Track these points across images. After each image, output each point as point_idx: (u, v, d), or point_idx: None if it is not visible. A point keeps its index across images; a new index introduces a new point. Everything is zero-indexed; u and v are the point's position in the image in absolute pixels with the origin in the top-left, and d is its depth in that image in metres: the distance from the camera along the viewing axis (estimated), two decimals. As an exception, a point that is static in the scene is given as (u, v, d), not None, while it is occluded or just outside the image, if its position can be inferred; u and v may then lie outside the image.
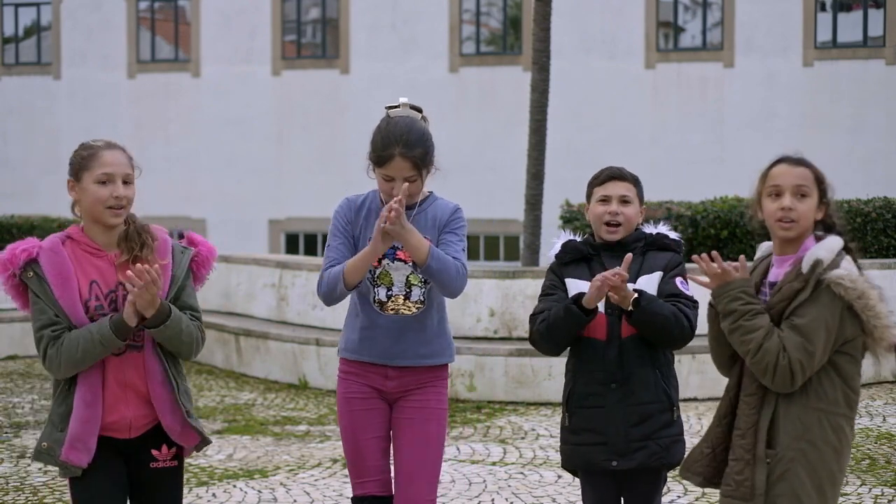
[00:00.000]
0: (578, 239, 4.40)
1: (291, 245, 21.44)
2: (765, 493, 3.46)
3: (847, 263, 3.45)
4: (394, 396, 4.32)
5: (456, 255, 4.22)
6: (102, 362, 3.77)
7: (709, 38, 20.36)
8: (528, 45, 16.47)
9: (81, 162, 3.78)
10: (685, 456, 3.72)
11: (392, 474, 4.35)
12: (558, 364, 9.68)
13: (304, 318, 11.19)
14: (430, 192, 4.37)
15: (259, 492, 6.78)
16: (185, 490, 6.79)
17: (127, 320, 3.69)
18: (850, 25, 19.82)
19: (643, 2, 20.13)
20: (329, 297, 4.25)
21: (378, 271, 4.26)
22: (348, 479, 7.01)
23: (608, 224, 4.28)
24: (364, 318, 4.29)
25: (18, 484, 7.02)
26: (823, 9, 19.82)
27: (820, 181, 3.53)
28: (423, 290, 4.27)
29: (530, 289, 10.06)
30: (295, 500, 6.60)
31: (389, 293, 4.26)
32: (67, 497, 6.62)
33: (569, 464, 4.35)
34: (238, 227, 21.34)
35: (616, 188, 4.28)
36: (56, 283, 3.72)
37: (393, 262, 4.26)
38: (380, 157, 4.22)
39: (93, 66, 22.11)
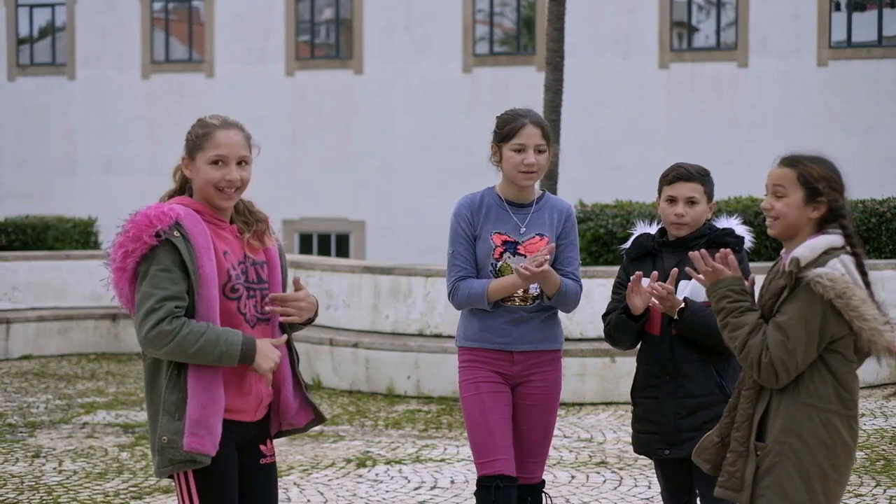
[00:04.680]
0: (653, 230, 4.55)
1: (305, 245, 21.46)
2: (753, 484, 3.52)
3: (836, 263, 3.44)
4: (517, 380, 4.61)
5: (575, 275, 4.60)
6: None
7: (723, 38, 20.31)
8: (542, 45, 16.45)
9: (196, 140, 3.60)
10: (699, 443, 3.80)
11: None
12: (572, 364, 9.66)
13: (318, 318, 11.19)
14: (544, 191, 4.69)
15: (273, 492, 6.78)
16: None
17: (257, 359, 3.50)
18: (864, 25, 19.75)
19: (657, 1, 20.09)
20: (465, 307, 4.60)
21: (500, 264, 4.55)
22: (362, 479, 7.05)
23: (674, 224, 4.42)
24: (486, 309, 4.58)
25: (33, 483, 7.04)
26: (838, 8, 19.75)
27: (807, 181, 3.52)
28: (537, 284, 4.55)
29: (544, 289, 10.04)
30: (308, 500, 6.60)
31: None
32: (82, 496, 6.67)
33: (635, 450, 4.57)
34: (252, 227, 21.34)
35: (682, 189, 4.41)
36: (200, 249, 3.47)
37: (514, 256, 4.55)
38: (511, 128, 4.52)
39: (107, 66, 22.16)
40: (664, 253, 4.46)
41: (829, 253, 3.48)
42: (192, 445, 3.44)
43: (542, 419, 4.64)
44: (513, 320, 4.56)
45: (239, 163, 3.63)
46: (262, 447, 3.68)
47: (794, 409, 3.49)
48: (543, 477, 4.79)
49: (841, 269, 3.43)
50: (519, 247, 4.56)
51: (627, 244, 4.60)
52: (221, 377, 3.50)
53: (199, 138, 3.60)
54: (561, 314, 4.73)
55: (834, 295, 3.39)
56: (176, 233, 3.46)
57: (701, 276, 3.64)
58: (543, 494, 4.74)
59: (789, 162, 3.58)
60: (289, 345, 3.73)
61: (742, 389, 3.61)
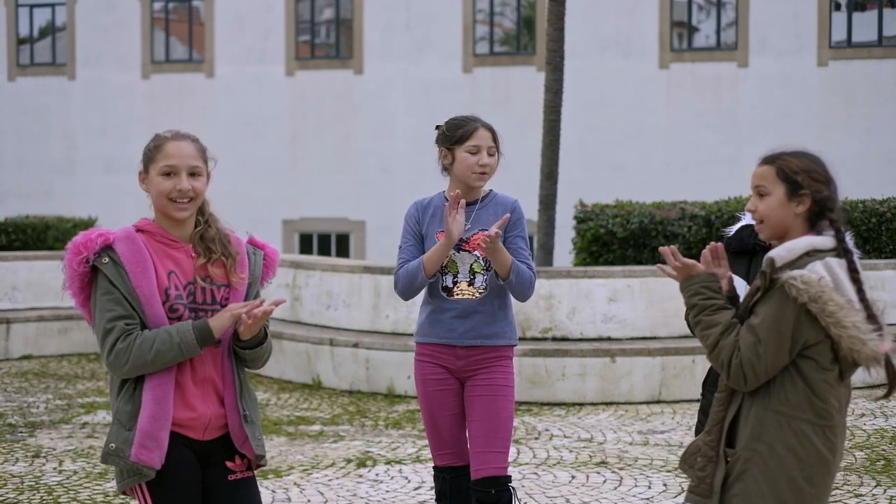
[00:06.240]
0: None
1: (305, 245, 21.47)
2: (721, 491, 3.40)
3: (817, 265, 3.30)
4: (464, 375, 4.79)
5: (528, 264, 4.71)
6: None
7: (723, 38, 20.31)
8: (542, 45, 16.46)
9: (149, 154, 3.63)
10: (685, 449, 3.69)
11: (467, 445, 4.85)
12: (572, 364, 9.66)
13: (318, 318, 11.20)
14: (491, 189, 4.85)
15: (273, 492, 6.79)
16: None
17: (215, 331, 3.52)
18: (864, 25, 19.75)
19: (657, 1, 20.09)
20: (408, 288, 4.76)
21: (445, 261, 4.73)
22: (362, 479, 7.06)
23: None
24: (433, 304, 4.78)
25: (33, 483, 7.04)
26: (838, 8, 19.75)
27: (787, 175, 3.42)
28: (485, 277, 4.74)
29: (544, 289, 10.05)
30: (308, 500, 6.61)
31: (455, 280, 4.75)
32: (82, 496, 6.67)
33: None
34: (252, 227, 21.19)
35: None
36: (134, 270, 3.52)
37: (458, 253, 4.74)
38: (464, 131, 4.75)
39: (107, 66, 22.17)
40: (761, 254, 4.27)
41: (812, 255, 3.34)
42: (140, 456, 3.50)
43: (491, 408, 4.72)
44: (459, 314, 4.73)
45: (191, 174, 3.63)
46: (228, 463, 3.68)
47: (764, 416, 3.36)
48: (510, 472, 4.82)
49: (821, 271, 3.28)
50: (464, 243, 4.72)
51: (731, 230, 4.44)
52: (173, 392, 3.56)
53: (151, 151, 3.65)
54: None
55: (808, 299, 3.25)
56: (105, 259, 3.54)
57: (671, 270, 3.50)
58: (511, 489, 4.76)
59: (769, 159, 3.48)
60: (240, 376, 3.71)
61: (716, 392, 3.48)
